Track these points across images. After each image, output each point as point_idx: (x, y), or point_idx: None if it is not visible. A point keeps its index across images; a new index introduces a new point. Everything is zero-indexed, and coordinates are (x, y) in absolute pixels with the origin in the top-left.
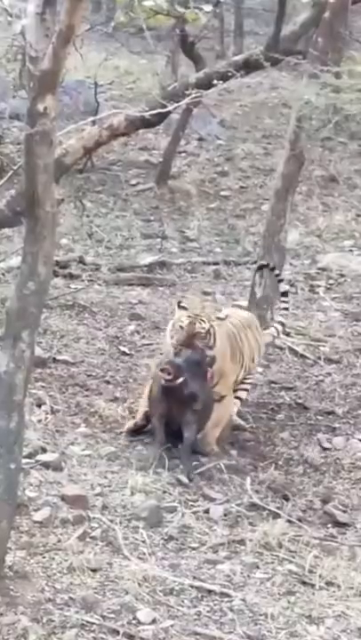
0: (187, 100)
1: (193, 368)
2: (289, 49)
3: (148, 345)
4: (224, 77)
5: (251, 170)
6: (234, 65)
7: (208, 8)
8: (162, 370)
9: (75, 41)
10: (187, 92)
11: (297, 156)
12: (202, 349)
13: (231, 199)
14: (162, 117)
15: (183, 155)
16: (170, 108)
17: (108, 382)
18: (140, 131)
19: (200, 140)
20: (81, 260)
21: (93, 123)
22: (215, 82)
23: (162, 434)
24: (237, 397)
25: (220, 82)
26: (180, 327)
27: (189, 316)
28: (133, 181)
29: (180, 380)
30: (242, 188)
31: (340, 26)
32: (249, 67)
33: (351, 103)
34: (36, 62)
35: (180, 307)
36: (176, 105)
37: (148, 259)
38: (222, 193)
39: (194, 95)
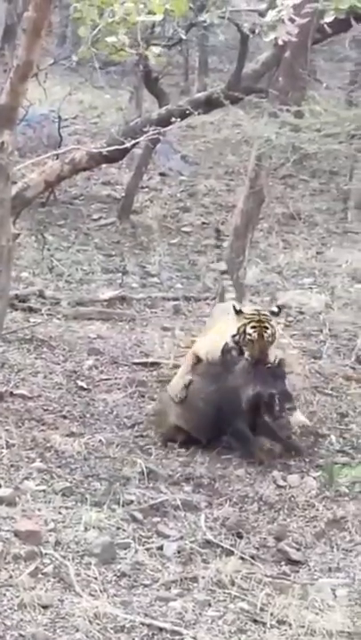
0: (145, 136)
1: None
2: (250, 87)
3: (105, 380)
4: (183, 115)
5: (213, 206)
6: (196, 102)
7: (157, 50)
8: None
9: (38, 75)
10: (146, 130)
11: (257, 193)
12: (280, 361)
13: (193, 235)
14: (123, 153)
15: (146, 190)
16: (128, 144)
17: (64, 417)
18: (103, 165)
19: (163, 175)
20: (41, 294)
21: (56, 157)
22: (174, 119)
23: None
24: None
25: (179, 119)
26: (251, 341)
27: (255, 327)
28: (95, 216)
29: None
30: (204, 223)
31: (301, 65)
32: (211, 104)
33: (310, 142)
34: None
35: (237, 312)
36: (135, 141)
37: (108, 293)
38: (184, 229)
39: (153, 132)
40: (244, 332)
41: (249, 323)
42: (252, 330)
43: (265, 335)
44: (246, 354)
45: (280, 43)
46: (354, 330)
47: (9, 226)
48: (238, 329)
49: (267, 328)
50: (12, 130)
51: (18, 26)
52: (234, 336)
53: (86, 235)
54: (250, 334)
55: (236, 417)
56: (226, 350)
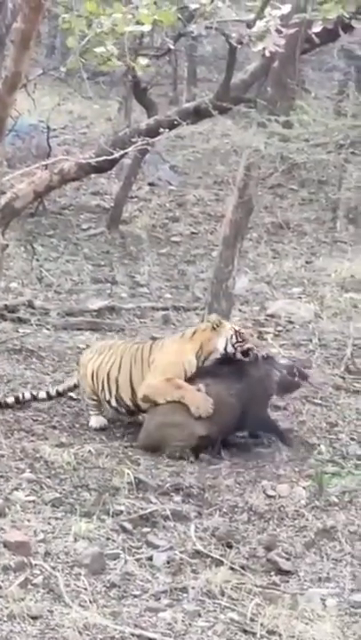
0: (134, 147)
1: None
2: (239, 97)
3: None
4: (171, 126)
5: (202, 216)
6: (184, 112)
7: (144, 62)
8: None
9: (27, 85)
10: (134, 140)
11: (246, 202)
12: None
13: (182, 245)
14: (112, 163)
15: (135, 200)
16: (117, 154)
17: (54, 427)
18: (92, 175)
19: (152, 185)
20: (30, 305)
21: (45, 167)
22: (162, 130)
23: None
24: None
25: (168, 130)
26: (244, 340)
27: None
28: (85, 226)
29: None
30: (193, 233)
31: (290, 75)
32: (199, 114)
33: (298, 152)
34: None
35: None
36: (123, 152)
37: (97, 303)
38: (173, 238)
39: (141, 142)
40: (236, 331)
41: (231, 329)
42: (240, 328)
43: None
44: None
45: (267, 54)
46: (343, 339)
47: None
48: (230, 333)
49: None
50: (1, 141)
51: (6, 37)
52: (232, 337)
53: (75, 245)
54: (242, 332)
55: (264, 408)
56: (245, 352)
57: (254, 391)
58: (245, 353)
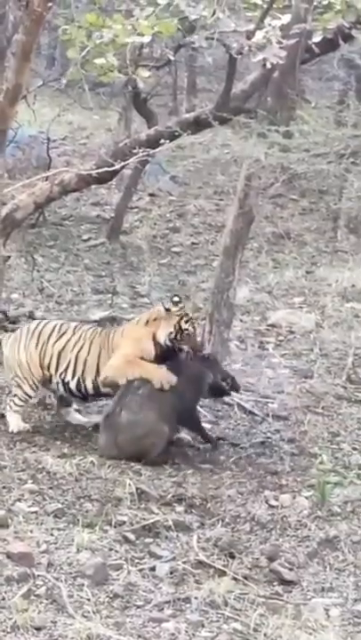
0: (135, 158)
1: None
2: (239, 107)
3: (96, 401)
4: (172, 136)
5: (202, 226)
6: (185, 123)
7: (146, 73)
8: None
9: (27, 96)
10: (135, 151)
11: (246, 213)
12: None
13: (182, 255)
14: (113, 174)
15: (135, 210)
16: (117, 166)
17: (56, 438)
18: (93, 186)
19: (152, 195)
20: (31, 316)
21: (46, 178)
22: (163, 141)
23: None
24: None
25: (168, 141)
26: (188, 335)
27: (187, 321)
28: (85, 236)
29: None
30: (193, 244)
31: (290, 85)
32: (199, 125)
33: (299, 162)
34: None
35: (167, 310)
36: (124, 163)
37: (98, 314)
38: (174, 249)
39: (142, 153)
40: (180, 328)
41: (181, 319)
42: (187, 324)
43: (196, 326)
44: (187, 346)
45: (268, 66)
46: (344, 349)
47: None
48: (174, 326)
49: (193, 320)
50: (2, 152)
51: (7, 49)
52: (170, 334)
53: (76, 255)
54: (186, 329)
55: (195, 407)
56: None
57: (187, 388)
58: (180, 350)
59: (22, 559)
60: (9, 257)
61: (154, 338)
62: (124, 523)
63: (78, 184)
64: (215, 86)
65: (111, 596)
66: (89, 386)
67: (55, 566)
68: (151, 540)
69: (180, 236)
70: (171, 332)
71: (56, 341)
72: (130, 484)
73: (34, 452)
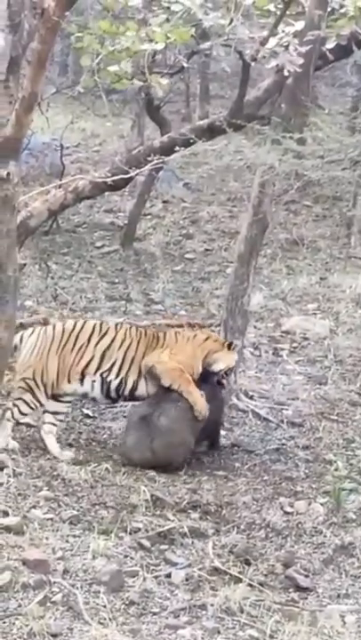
0: (150, 165)
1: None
2: (252, 114)
3: (111, 407)
4: (186, 143)
5: (216, 232)
6: (198, 130)
7: (164, 82)
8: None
9: (41, 104)
10: (149, 159)
11: (261, 220)
12: None
13: (196, 262)
14: (127, 181)
15: (148, 217)
16: (132, 173)
17: (70, 445)
18: (106, 193)
19: (165, 202)
20: (45, 323)
21: (59, 186)
22: (178, 148)
23: None
24: None
25: (183, 148)
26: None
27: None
28: (99, 243)
29: None
30: (207, 250)
31: (304, 92)
32: (213, 131)
33: (313, 169)
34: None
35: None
36: (139, 170)
37: (112, 321)
38: (187, 255)
39: (157, 161)
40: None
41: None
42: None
43: None
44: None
45: (286, 73)
46: (359, 355)
47: (15, 256)
48: (229, 364)
49: None
50: (18, 161)
51: (22, 57)
52: (226, 369)
53: (90, 262)
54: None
55: (219, 425)
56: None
57: (218, 409)
58: (220, 383)
59: (38, 566)
60: (24, 265)
61: (204, 362)
62: (140, 529)
63: (92, 191)
64: (228, 93)
65: (127, 602)
66: (129, 386)
67: (71, 573)
68: (167, 546)
69: (193, 243)
70: (226, 368)
71: (99, 341)
72: (145, 491)
73: (49, 458)
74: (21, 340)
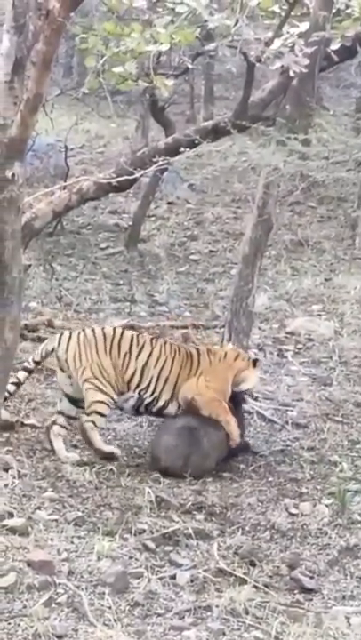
0: (155, 166)
1: None
2: (257, 115)
3: (115, 409)
4: (191, 144)
5: (220, 234)
6: (203, 131)
7: (169, 83)
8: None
9: (45, 105)
10: (154, 160)
11: (265, 221)
12: None
13: (200, 263)
14: (131, 182)
15: (153, 218)
16: (137, 174)
17: (75, 446)
18: (110, 194)
19: (170, 203)
20: (50, 324)
21: (64, 187)
22: (182, 149)
23: None
24: None
25: (188, 149)
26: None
27: None
28: (103, 245)
29: None
30: (211, 251)
31: (308, 93)
32: (218, 133)
33: (318, 170)
34: (4, 129)
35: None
36: (143, 172)
37: (116, 322)
38: (192, 257)
39: (162, 162)
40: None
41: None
42: None
43: None
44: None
45: (291, 74)
46: None
47: (20, 257)
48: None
49: None
50: (22, 162)
51: (27, 58)
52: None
53: (94, 264)
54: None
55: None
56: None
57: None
58: (244, 399)
59: (43, 567)
60: (30, 266)
61: (233, 382)
62: (145, 531)
63: (97, 192)
64: (233, 94)
65: (132, 604)
66: (159, 405)
67: (76, 574)
68: (171, 548)
69: (197, 244)
70: (252, 387)
71: (138, 354)
72: (149, 493)
73: (53, 460)
74: (59, 342)
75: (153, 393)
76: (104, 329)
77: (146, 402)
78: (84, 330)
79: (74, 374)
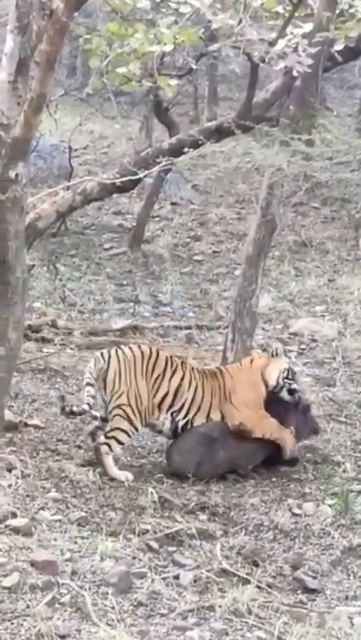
0: (158, 167)
1: None
2: (261, 116)
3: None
4: (195, 145)
5: (224, 234)
6: (207, 131)
7: (172, 83)
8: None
9: (49, 106)
10: (158, 160)
11: (269, 221)
12: None
13: (204, 264)
14: (135, 183)
15: (157, 219)
16: (141, 175)
17: (79, 447)
18: (114, 195)
19: (174, 204)
20: (53, 324)
21: (68, 187)
22: (186, 149)
23: None
24: None
25: (191, 149)
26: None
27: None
28: (107, 245)
29: None
30: (215, 252)
31: (312, 94)
32: (221, 133)
33: (321, 171)
34: (8, 129)
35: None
36: (147, 172)
37: (120, 323)
38: (195, 257)
39: (165, 162)
40: (290, 370)
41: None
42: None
43: None
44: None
45: (295, 74)
46: None
47: (24, 257)
48: (285, 369)
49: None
50: (26, 162)
51: (31, 59)
52: (283, 372)
53: (98, 264)
54: (294, 372)
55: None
56: (291, 390)
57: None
58: (291, 391)
59: (46, 567)
60: (33, 266)
61: (263, 378)
62: (148, 531)
63: (100, 193)
64: (236, 95)
65: (135, 604)
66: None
67: (79, 574)
68: (175, 548)
69: (201, 245)
70: (280, 372)
71: (172, 376)
72: (153, 493)
73: (57, 460)
74: (108, 360)
75: (186, 416)
76: (141, 348)
77: (180, 424)
78: (122, 348)
79: (107, 396)
